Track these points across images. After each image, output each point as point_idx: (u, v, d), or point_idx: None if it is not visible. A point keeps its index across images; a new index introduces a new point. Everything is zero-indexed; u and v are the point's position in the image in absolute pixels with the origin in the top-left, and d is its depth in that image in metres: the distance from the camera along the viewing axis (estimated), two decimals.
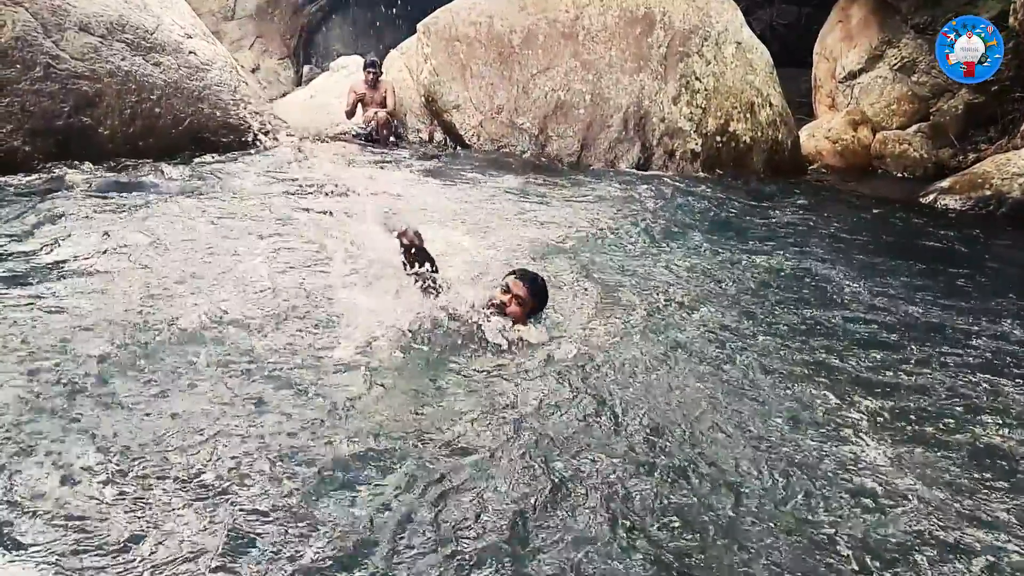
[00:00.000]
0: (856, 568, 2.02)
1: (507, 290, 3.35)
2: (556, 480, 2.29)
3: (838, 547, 2.10)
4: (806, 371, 3.26)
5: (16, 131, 5.66)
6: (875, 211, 7.23)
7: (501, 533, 2.03)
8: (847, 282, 4.64)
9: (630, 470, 2.38)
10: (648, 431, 2.63)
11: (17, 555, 1.80)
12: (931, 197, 7.74)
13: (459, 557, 1.92)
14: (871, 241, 5.92)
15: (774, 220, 6.35)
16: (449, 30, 8.73)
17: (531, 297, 3.39)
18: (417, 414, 2.62)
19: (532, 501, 2.18)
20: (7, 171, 5.49)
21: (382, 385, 2.77)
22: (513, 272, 3.49)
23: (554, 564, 1.93)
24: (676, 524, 2.14)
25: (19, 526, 1.90)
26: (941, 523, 2.25)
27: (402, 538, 1.97)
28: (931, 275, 5.00)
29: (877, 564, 2.04)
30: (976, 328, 3.96)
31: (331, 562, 1.87)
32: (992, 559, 2.10)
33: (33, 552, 1.82)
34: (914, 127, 10.03)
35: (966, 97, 9.83)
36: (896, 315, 4.09)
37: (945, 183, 7.89)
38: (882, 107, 10.34)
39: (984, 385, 3.23)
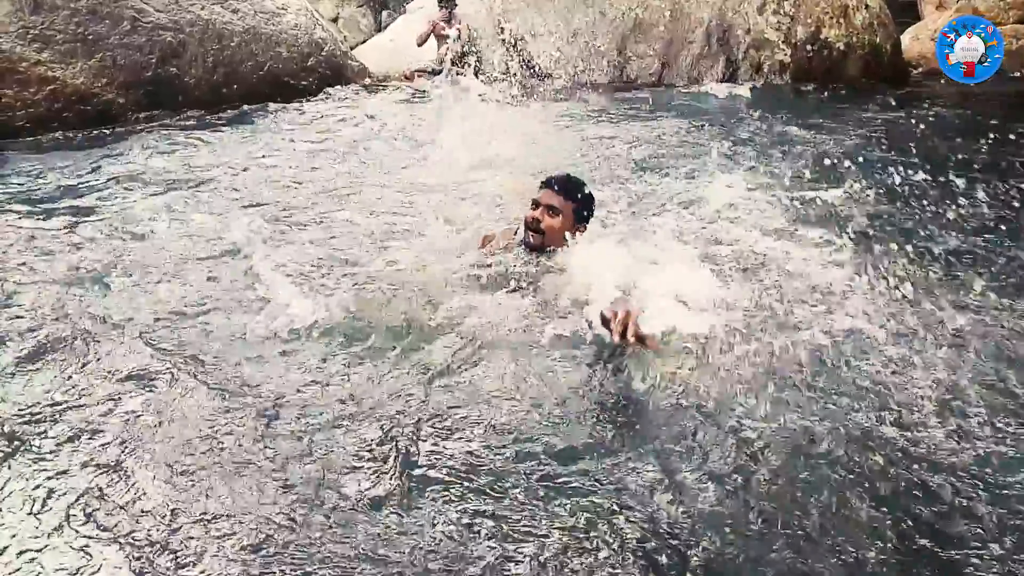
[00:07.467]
0: None
1: (536, 205, 2.66)
2: None
3: None
4: None
5: (110, 84, 5.94)
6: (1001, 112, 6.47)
7: None
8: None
9: None
10: None
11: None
12: None
13: None
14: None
15: (890, 130, 5.77)
16: None
17: (568, 199, 2.64)
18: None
19: None
20: (105, 123, 5.80)
21: None
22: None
23: None
24: None
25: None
26: None
27: None
28: None
29: None
30: None
31: None
32: None
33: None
34: None
35: None
36: None
37: None
38: (996, 1, 9.40)
39: None
